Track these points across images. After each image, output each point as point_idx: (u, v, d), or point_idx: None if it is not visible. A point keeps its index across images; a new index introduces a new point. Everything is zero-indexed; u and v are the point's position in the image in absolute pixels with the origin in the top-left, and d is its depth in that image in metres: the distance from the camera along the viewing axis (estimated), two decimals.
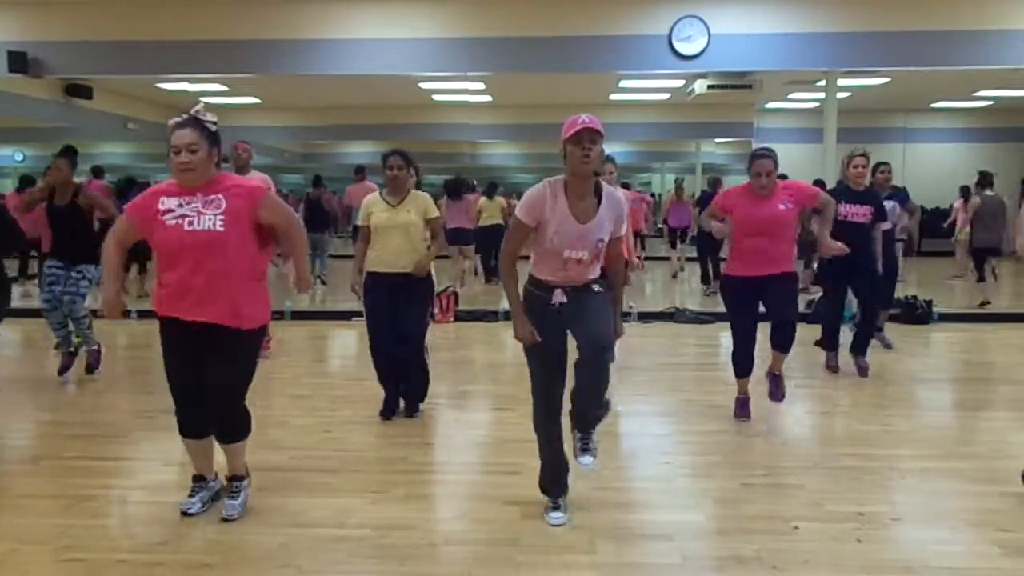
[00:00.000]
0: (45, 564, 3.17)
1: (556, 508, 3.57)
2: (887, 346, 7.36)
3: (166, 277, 3.35)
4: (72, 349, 6.25)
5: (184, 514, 3.56)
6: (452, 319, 8.88)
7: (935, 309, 8.98)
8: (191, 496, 3.63)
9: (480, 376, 5.77)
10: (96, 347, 6.25)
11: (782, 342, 4.94)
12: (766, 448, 4.61)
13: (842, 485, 4.04)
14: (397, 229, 4.92)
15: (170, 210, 3.29)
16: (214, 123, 3.36)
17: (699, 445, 4.65)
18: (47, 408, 5.63)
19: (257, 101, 16.16)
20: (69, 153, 6.13)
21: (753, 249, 4.87)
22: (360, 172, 11.69)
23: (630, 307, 9.47)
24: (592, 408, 3.47)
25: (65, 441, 4.77)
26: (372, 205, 5.03)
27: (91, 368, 6.23)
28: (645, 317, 9.10)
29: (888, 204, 6.95)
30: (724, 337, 8.53)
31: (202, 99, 15.91)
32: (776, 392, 5.06)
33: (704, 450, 4.56)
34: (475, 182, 14.59)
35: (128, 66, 9.96)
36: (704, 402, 5.55)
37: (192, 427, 3.54)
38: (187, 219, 3.25)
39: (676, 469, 4.28)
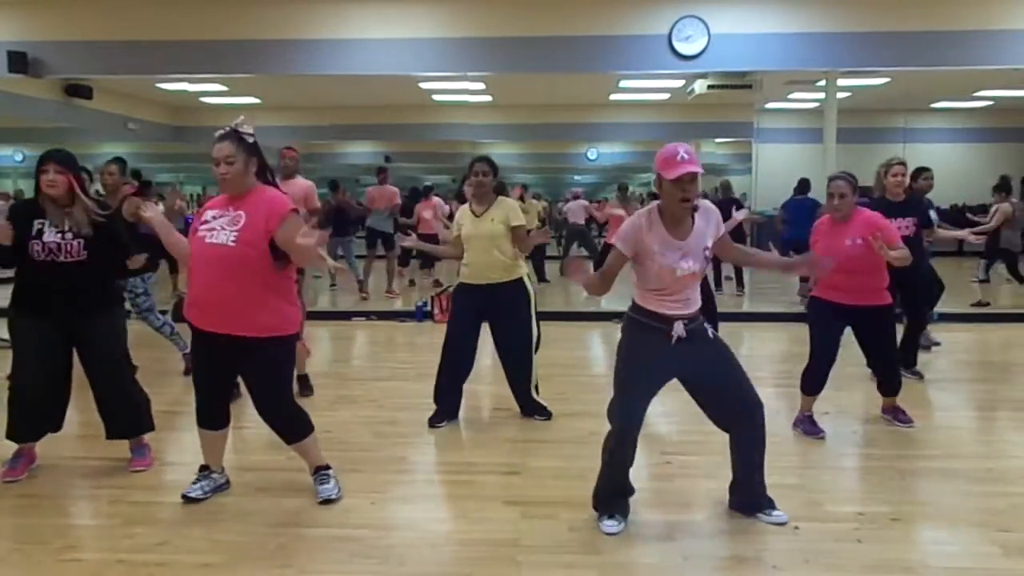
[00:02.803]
0: (45, 564, 3.17)
1: (610, 517, 3.51)
2: (934, 344, 7.48)
3: (190, 286, 3.55)
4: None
5: (184, 497, 3.70)
6: None
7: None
8: (194, 483, 3.77)
9: (480, 376, 5.78)
10: (187, 350, 6.09)
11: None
12: (766, 448, 4.60)
13: (842, 485, 4.04)
14: (481, 240, 4.83)
15: (205, 221, 3.49)
16: (252, 135, 3.52)
17: (699, 445, 4.65)
18: None
19: (257, 101, 16.17)
20: (119, 160, 6.06)
21: None
22: (382, 172, 11.42)
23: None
24: (760, 471, 3.58)
25: (65, 441, 4.76)
26: (462, 217, 4.93)
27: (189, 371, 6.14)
28: None
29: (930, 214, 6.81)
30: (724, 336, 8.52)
31: (203, 99, 15.89)
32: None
33: (704, 450, 4.55)
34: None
35: (128, 66, 9.97)
36: None
37: (207, 419, 3.73)
38: (212, 232, 3.43)
39: (676, 469, 4.28)
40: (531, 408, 5.14)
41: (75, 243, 3.88)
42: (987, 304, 9.59)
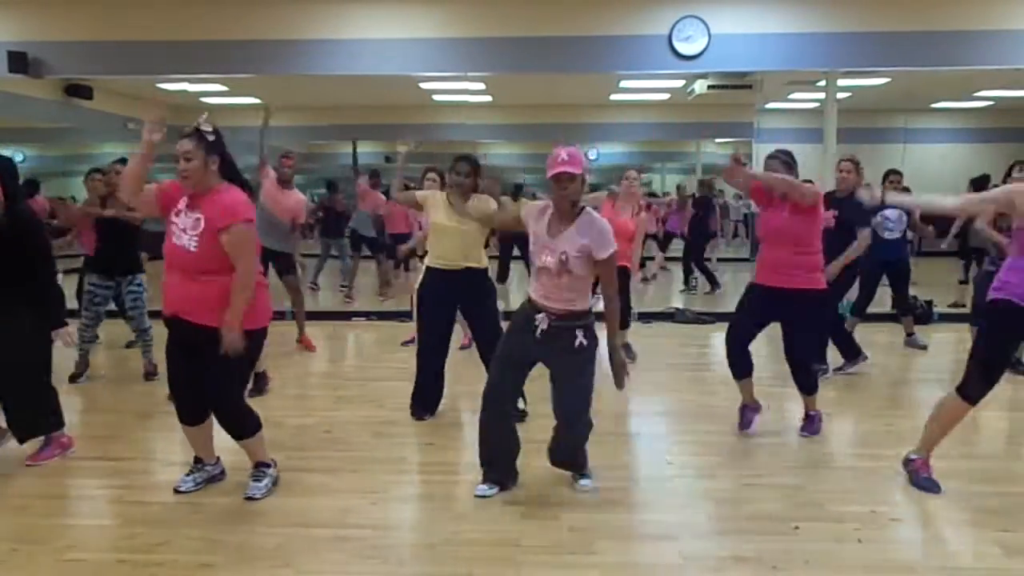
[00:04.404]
0: (45, 564, 3.18)
1: (484, 482, 3.87)
2: (922, 347, 7.48)
3: (165, 275, 3.66)
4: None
5: (176, 491, 3.82)
6: None
7: (935, 309, 8.98)
8: (187, 475, 3.90)
9: (478, 376, 5.77)
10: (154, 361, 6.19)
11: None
12: (766, 448, 4.61)
13: (842, 485, 4.04)
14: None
15: (179, 212, 3.60)
16: (212, 133, 3.64)
17: (699, 445, 4.66)
18: None
19: (257, 101, 16.15)
20: (125, 162, 6.12)
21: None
22: (374, 177, 11.69)
23: (630, 307, 9.46)
24: (569, 460, 3.93)
25: None
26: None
27: (149, 376, 6.24)
28: (645, 317, 9.09)
29: (894, 213, 6.93)
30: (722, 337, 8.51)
31: (203, 99, 15.86)
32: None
33: (704, 450, 4.56)
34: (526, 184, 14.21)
35: (128, 66, 9.95)
36: (704, 402, 5.55)
37: (184, 415, 3.83)
38: (175, 233, 3.57)
39: (676, 469, 4.28)
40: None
41: None
42: (962, 306, 9.64)
